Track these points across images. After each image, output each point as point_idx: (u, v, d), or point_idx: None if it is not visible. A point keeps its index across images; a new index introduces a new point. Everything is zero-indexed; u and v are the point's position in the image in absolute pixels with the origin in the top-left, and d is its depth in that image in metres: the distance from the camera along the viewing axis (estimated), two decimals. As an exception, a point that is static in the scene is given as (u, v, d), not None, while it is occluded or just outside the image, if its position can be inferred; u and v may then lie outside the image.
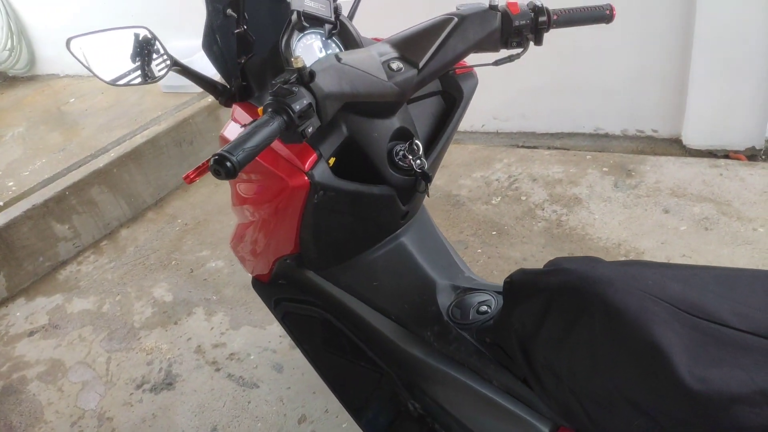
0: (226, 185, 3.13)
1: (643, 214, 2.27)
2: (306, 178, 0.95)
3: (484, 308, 1.14)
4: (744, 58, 2.30)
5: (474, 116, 3.02)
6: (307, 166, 0.95)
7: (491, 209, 2.49)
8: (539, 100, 2.85)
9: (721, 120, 2.44)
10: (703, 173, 2.41)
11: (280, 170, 0.97)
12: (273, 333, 2.12)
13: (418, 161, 1.06)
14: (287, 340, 2.07)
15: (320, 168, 0.97)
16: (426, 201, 1.32)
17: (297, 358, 1.99)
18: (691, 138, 2.54)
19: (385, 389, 1.36)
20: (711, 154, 2.52)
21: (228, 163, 0.70)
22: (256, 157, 1.02)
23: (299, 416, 1.81)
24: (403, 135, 1.08)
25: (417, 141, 1.07)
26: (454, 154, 2.91)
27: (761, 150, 2.46)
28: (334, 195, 1.00)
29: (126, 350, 2.21)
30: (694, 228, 2.14)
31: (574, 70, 2.71)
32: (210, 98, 3.36)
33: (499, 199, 2.55)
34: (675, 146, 2.63)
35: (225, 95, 1.12)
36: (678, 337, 0.74)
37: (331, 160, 1.02)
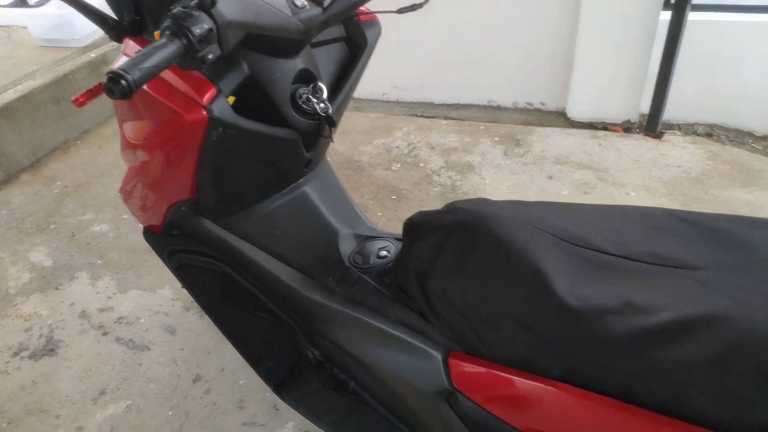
0: (109, 146, 2.94)
1: (529, 179, 2.41)
2: (204, 112, 0.92)
3: (384, 253, 1.17)
4: (623, 40, 2.50)
5: (375, 85, 3.04)
6: (205, 100, 0.92)
7: (391, 175, 2.54)
8: (438, 72, 2.92)
9: (602, 95, 2.64)
10: (584, 143, 2.59)
11: (175, 104, 0.93)
12: (164, 296, 2.04)
13: (322, 105, 1.06)
14: (180, 303, 2.00)
15: (220, 103, 0.94)
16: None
17: (191, 320, 1.94)
18: (575, 111, 2.73)
19: (284, 339, 1.37)
20: (592, 126, 2.72)
21: (123, 82, 0.67)
22: (150, 91, 0.98)
23: (194, 376, 1.76)
24: (307, 77, 1.07)
25: (321, 84, 1.07)
26: (355, 121, 2.92)
27: (635, 123, 2.69)
28: (234, 134, 0.98)
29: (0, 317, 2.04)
30: (575, 192, 2.31)
31: (471, 44, 2.80)
32: (93, 53, 3.13)
33: (398, 165, 2.60)
34: (560, 118, 2.81)
35: (116, 29, 1.05)
36: (559, 263, 0.80)
37: (231, 99, 0.99)
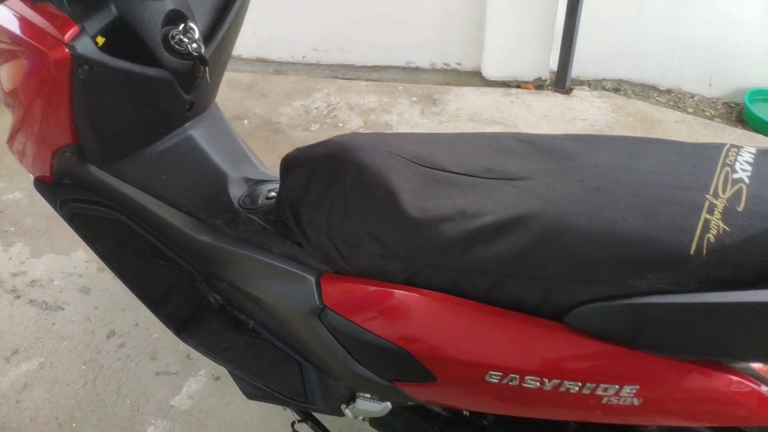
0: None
1: (444, 136, 2.50)
2: (66, 50, 0.94)
3: (272, 194, 1.23)
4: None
5: (294, 47, 3.06)
6: (66, 37, 0.94)
7: (310, 135, 2.58)
8: (357, 33, 2.96)
9: (514, 54, 2.74)
10: (497, 101, 2.70)
11: (38, 41, 0.95)
12: (78, 259, 2.04)
13: (194, 45, 1.09)
14: (95, 264, 2.01)
15: (83, 41, 0.96)
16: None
17: (105, 280, 1.95)
18: (489, 71, 2.83)
19: (184, 285, 1.40)
20: (505, 84, 2.83)
21: None
22: (14, 31, 0.99)
23: (108, 332, 1.79)
24: (178, 18, 1.09)
25: (192, 24, 1.10)
26: (275, 84, 2.94)
27: (546, 80, 2.81)
28: (102, 72, 1.00)
29: None
30: (485, 146, 2.41)
31: (388, 5, 2.85)
32: None
33: (317, 126, 2.64)
34: (476, 78, 2.90)
35: None
36: (408, 182, 0.88)
37: (100, 40, 1.01)
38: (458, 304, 0.79)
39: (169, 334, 1.74)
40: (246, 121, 2.61)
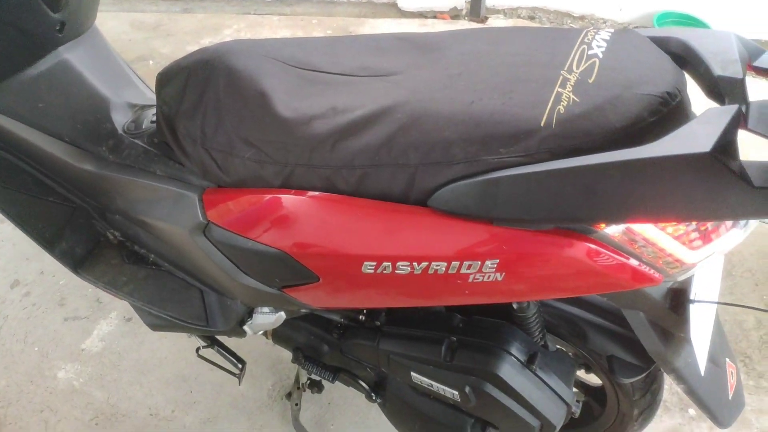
0: None
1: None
2: None
3: None
4: None
5: (202, -17, 2.91)
6: None
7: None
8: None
9: (429, -16, 2.70)
10: (413, 32, 2.66)
11: None
12: (-22, 210, 1.93)
13: None
14: (-5, 215, 1.91)
15: None
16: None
17: (6, 230, 1.87)
18: (405, 2, 2.78)
19: (80, 221, 1.35)
20: (421, 15, 2.79)
21: None
22: None
23: (12, 282, 1.72)
24: None
25: None
26: (181, 22, 2.81)
27: (462, 10, 2.78)
28: None
29: None
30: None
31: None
32: None
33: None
34: (392, 10, 2.85)
35: None
36: (282, 84, 0.86)
37: None
38: (330, 200, 0.79)
39: (77, 280, 1.70)
40: (151, 62, 2.49)
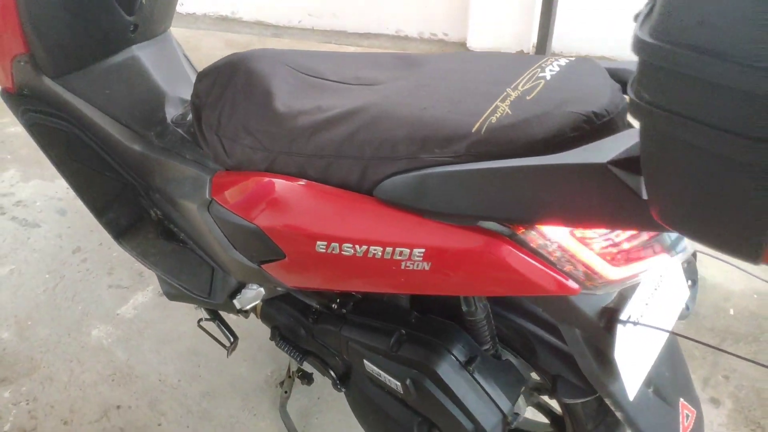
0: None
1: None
2: None
3: None
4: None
5: (291, 12, 3.17)
6: None
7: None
8: (350, 0, 3.05)
9: (497, 26, 2.80)
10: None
11: None
12: (62, 185, 2.21)
13: None
14: (75, 191, 2.17)
15: None
16: None
17: (81, 204, 2.10)
18: (474, 42, 2.89)
19: (128, 197, 1.54)
20: (490, 58, 2.89)
21: None
22: None
23: (74, 248, 1.95)
24: None
25: None
26: (268, 44, 3.06)
27: (528, 53, 2.85)
28: None
29: None
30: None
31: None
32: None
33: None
34: (461, 49, 2.97)
35: None
36: (287, 86, 0.99)
37: None
38: (297, 184, 0.90)
39: (128, 255, 1.89)
40: (174, 36, 2.74)
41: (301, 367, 1.35)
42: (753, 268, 0.69)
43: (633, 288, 0.82)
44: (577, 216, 0.67)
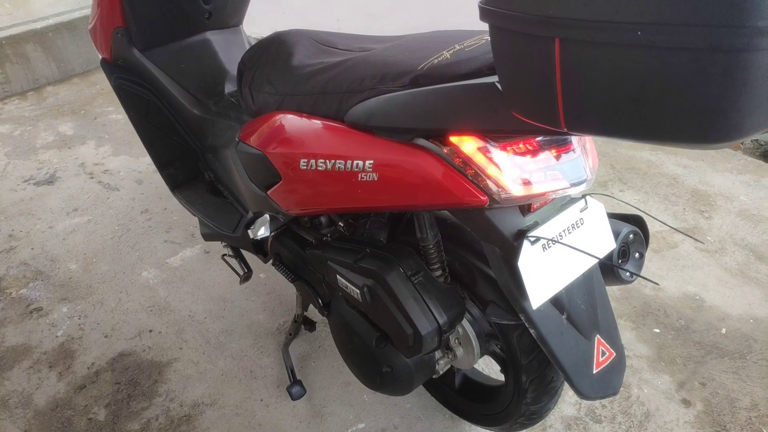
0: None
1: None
2: None
3: None
4: None
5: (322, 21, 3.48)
6: None
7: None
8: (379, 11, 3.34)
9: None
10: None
11: None
12: (145, 162, 2.58)
13: None
14: (154, 167, 2.53)
15: None
16: None
17: (157, 177, 2.44)
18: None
19: (189, 158, 1.84)
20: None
21: None
22: None
23: (143, 209, 2.27)
24: None
25: None
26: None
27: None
28: None
29: (23, 159, 2.64)
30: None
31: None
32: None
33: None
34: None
35: None
36: (306, 51, 1.24)
37: None
38: (291, 116, 1.13)
39: (185, 217, 2.19)
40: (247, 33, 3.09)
41: (305, 313, 1.55)
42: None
43: (547, 216, 0.97)
44: (466, 124, 0.85)
